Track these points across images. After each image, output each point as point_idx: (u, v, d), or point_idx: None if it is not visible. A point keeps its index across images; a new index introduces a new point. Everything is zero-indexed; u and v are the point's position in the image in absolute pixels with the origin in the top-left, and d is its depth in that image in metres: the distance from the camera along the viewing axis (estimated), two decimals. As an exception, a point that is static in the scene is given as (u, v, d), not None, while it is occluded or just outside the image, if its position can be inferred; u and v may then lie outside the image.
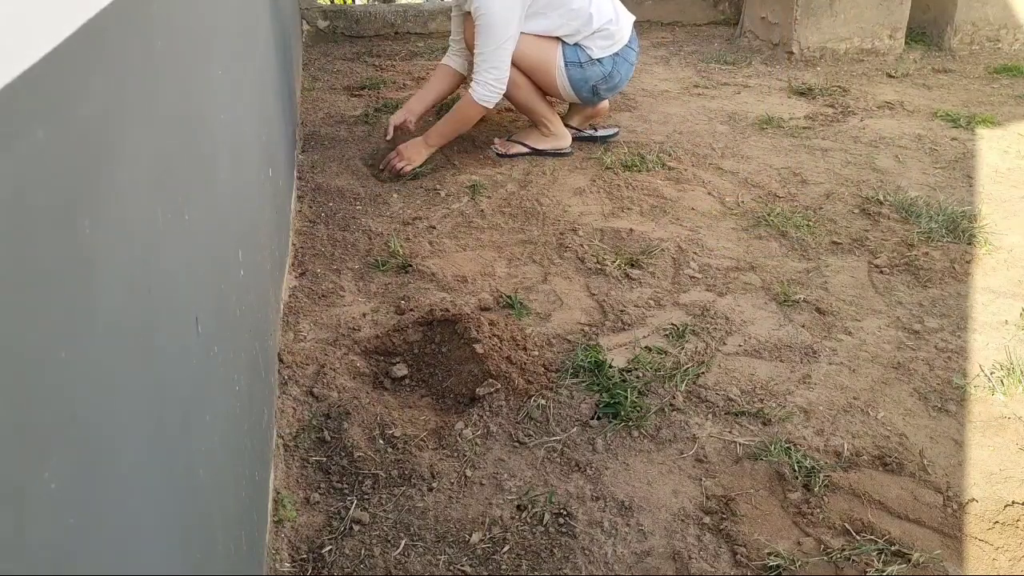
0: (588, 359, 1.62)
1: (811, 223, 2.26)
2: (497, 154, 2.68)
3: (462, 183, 2.51)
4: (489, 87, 2.44)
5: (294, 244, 2.12)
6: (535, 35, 2.51)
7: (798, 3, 3.90)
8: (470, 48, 2.54)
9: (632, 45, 2.64)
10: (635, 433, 1.45)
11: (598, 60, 2.56)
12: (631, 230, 2.21)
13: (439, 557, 1.21)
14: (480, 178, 2.56)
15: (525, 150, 2.68)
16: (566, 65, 2.55)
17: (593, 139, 2.85)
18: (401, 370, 1.63)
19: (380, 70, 3.84)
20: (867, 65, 3.93)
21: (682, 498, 1.32)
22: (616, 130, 2.87)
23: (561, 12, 2.50)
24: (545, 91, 2.63)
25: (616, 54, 2.58)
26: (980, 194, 2.48)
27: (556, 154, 2.68)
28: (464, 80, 2.75)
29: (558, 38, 2.56)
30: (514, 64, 2.48)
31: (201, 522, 0.79)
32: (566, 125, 2.81)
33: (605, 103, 2.90)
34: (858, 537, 1.23)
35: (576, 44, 2.55)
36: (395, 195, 2.43)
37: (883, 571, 1.17)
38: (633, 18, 2.68)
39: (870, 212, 2.32)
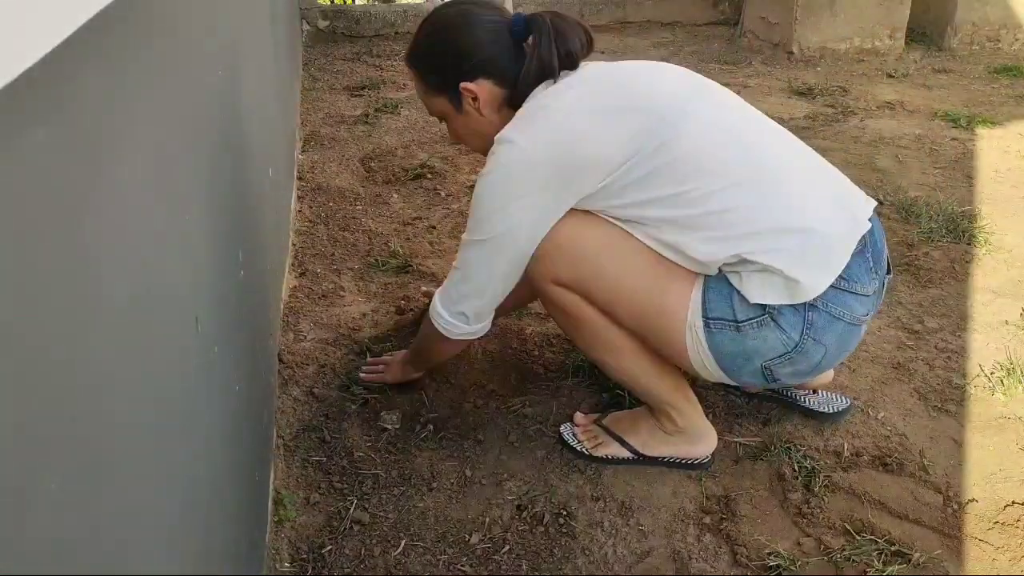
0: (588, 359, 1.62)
1: (811, 223, 2.25)
2: (578, 452, 1.40)
3: (462, 183, 2.51)
4: (453, 309, 1.30)
5: (294, 244, 2.12)
6: (645, 245, 1.21)
7: (798, 3, 3.90)
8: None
9: (860, 278, 1.19)
10: (635, 433, 1.45)
11: (774, 311, 1.16)
12: (631, 230, 2.21)
13: (439, 557, 1.21)
14: (480, 178, 2.55)
15: (626, 454, 1.38)
16: (706, 323, 1.18)
17: (809, 412, 1.50)
18: (401, 370, 1.62)
19: (380, 70, 3.84)
20: (867, 65, 3.93)
21: (682, 498, 1.32)
22: (849, 402, 1.51)
23: (685, 192, 1.16)
24: (665, 359, 1.29)
25: (824, 303, 1.16)
26: (980, 194, 2.47)
27: (684, 465, 1.38)
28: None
29: (691, 259, 1.19)
30: (601, 306, 1.24)
31: (201, 522, 0.79)
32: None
33: (828, 375, 1.52)
34: (858, 537, 1.23)
35: (730, 271, 1.18)
36: (395, 195, 2.43)
37: (883, 571, 1.17)
38: (872, 205, 1.26)
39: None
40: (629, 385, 1.37)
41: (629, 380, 1.34)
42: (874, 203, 1.26)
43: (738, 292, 1.16)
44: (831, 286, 1.15)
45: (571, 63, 1.24)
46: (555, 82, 1.23)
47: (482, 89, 1.27)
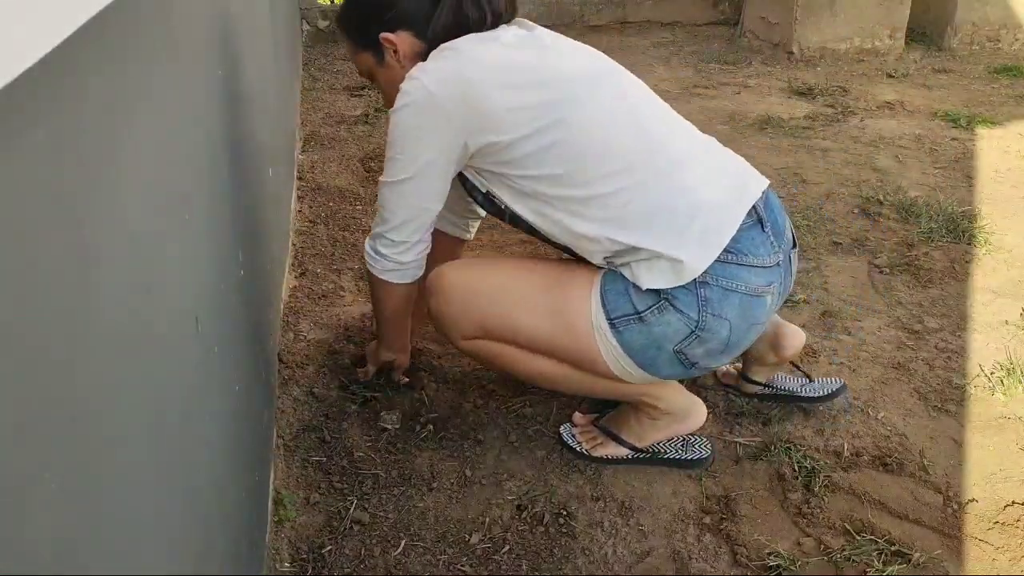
0: (588, 359, 1.62)
1: (811, 223, 2.25)
2: (578, 452, 1.40)
3: (462, 183, 2.51)
4: (376, 246, 1.33)
5: (294, 244, 2.12)
6: (535, 267, 1.31)
7: (798, 3, 3.89)
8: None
9: (752, 251, 1.20)
10: (635, 433, 1.45)
11: (669, 295, 1.17)
12: (631, 230, 2.20)
13: (439, 557, 1.21)
14: (480, 178, 2.55)
15: (624, 452, 1.38)
16: (611, 323, 1.20)
17: (806, 400, 1.50)
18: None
19: (380, 70, 3.84)
20: (867, 65, 3.93)
21: (682, 498, 1.32)
22: (842, 383, 1.51)
23: (574, 171, 1.19)
24: (586, 371, 1.27)
25: (715, 277, 1.17)
26: (980, 194, 2.47)
27: (685, 464, 1.38)
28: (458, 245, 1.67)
29: (589, 259, 1.26)
30: (515, 344, 1.27)
31: (201, 522, 0.79)
32: (748, 381, 1.52)
33: (799, 336, 1.46)
34: (858, 537, 1.23)
35: (622, 264, 1.21)
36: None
37: (883, 571, 1.17)
38: (765, 183, 1.27)
39: (870, 212, 2.32)
40: (591, 396, 1.38)
41: (586, 392, 1.36)
42: (767, 181, 1.28)
43: (632, 284, 1.19)
44: (719, 260, 1.17)
45: (486, 22, 1.25)
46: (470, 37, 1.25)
47: (403, 40, 1.28)
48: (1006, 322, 1.80)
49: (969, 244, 2.13)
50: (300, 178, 2.53)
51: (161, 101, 0.79)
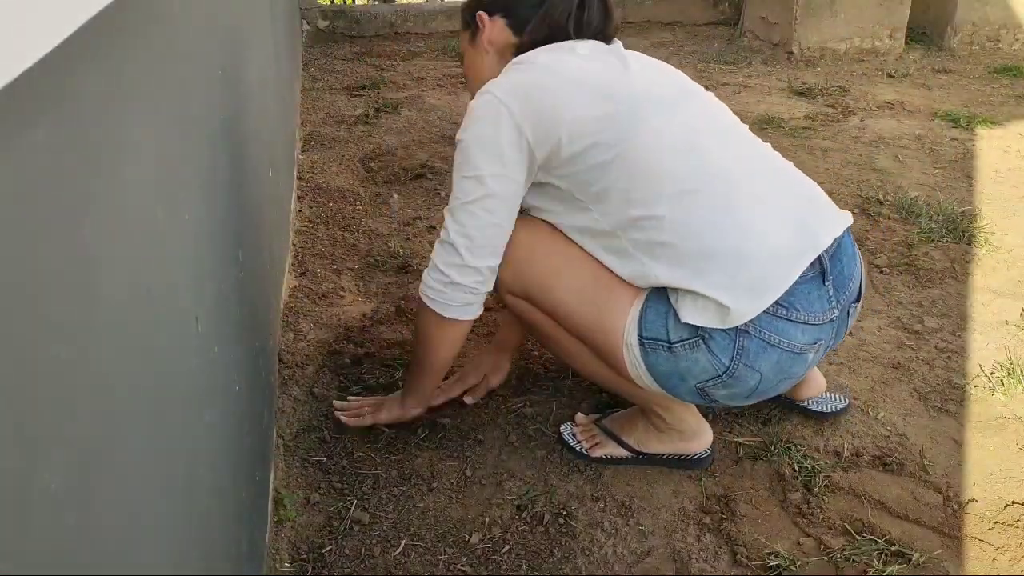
0: (588, 359, 1.62)
1: (811, 223, 2.25)
2: (577, 452, 1.40)
3: (462, 183, 2.51)
4: (438, 273, 1.23)
5: (294, 244, 2.12)
6: (592, 259, 1.22)
7: (798, 3, 3.90)
8: None
9: (806, 307, 1.14)
10: (635, 433, 1.45)
11: (706, 334, 1.13)
12: (631, 230, 2.20)
13: (439, 557, 1.21)
14: (480, 178, 2.55)
15: (623, 453, 1.38)
16: (641, 341, 1.18)
17: (808, 412, 1.49)
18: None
19: (380, 70, 3.84)
20: (867, 65, 3.93)
21: (682, 498, 1.32)
22: (848, 401, 1.51)
23: (630, 190, 1.15)
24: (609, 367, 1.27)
25: (758, 329, 1.12)
26: (980, 194, 2.47)
27: (684, 463, 1.38)
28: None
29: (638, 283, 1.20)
30: (556, 316, 1.25)
31: (201, 522, 0.79)
32: None
33: (820, 385, 1.49)
34: (858, 537, 1.23)
35: (674, 291, 1.16)
36: (395, 195, 2.43)
37: (883, 571, 1.17)
38: (841, 228, 1.21)
39: (870, 212, 2.32)
40: (605, 388, 1.36)
41: (602, 383, 1.34)
42: (847, 223, 1.21)
43: (674, 311, 1.14)
44: (768, 312, 1.11)
45: (580, 34, 1.24)
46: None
47: (495, 25, 1.28)
48: (1006, 322, 1.80)
49: (969, 244, 2.13)
50: (300, 178, 2.53)
51: (161, 101, 0.79)
